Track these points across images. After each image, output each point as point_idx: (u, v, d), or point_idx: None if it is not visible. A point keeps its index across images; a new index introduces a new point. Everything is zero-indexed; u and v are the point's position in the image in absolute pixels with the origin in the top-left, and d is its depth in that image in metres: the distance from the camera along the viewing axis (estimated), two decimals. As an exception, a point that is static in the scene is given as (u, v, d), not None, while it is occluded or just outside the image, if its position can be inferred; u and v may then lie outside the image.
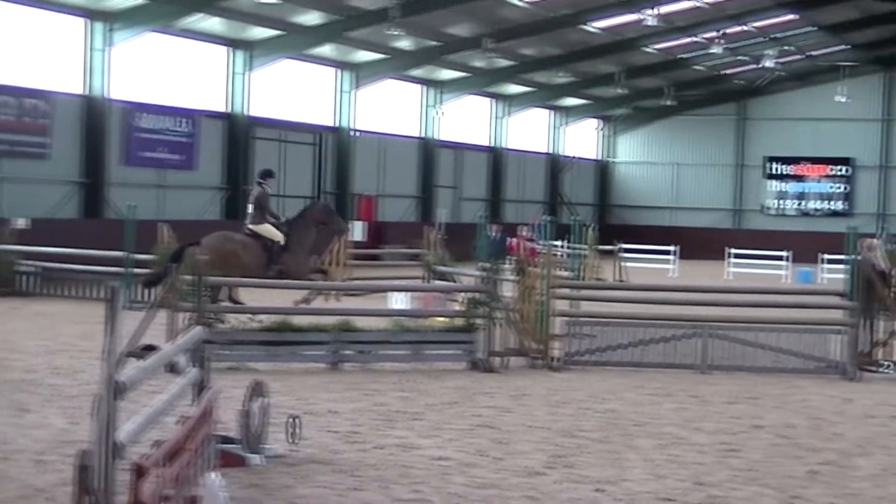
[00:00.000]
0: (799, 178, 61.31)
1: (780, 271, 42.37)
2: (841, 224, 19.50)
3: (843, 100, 57.02)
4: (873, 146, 60.28)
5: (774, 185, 61.82)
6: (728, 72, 57.78)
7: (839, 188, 60.69)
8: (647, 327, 16.96)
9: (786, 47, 52.41)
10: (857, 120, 60.18)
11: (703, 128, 63.44)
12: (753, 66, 54.61)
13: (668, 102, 58.84)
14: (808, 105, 61.06)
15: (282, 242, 21.59)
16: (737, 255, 44.53)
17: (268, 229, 21.68)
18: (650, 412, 13.06)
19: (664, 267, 44.04)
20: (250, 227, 21.77)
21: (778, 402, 14.10)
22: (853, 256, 17.12)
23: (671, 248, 44.94)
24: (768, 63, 49.77)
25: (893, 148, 60.19)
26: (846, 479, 9.97)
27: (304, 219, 22.17)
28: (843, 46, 55.61)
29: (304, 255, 21.96)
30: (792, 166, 61.31)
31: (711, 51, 47.56)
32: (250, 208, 22.01)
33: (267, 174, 22.66)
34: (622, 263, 36.07)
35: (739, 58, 53.95)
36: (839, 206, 60.57)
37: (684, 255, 48.10)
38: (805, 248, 49.51)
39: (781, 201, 61.73)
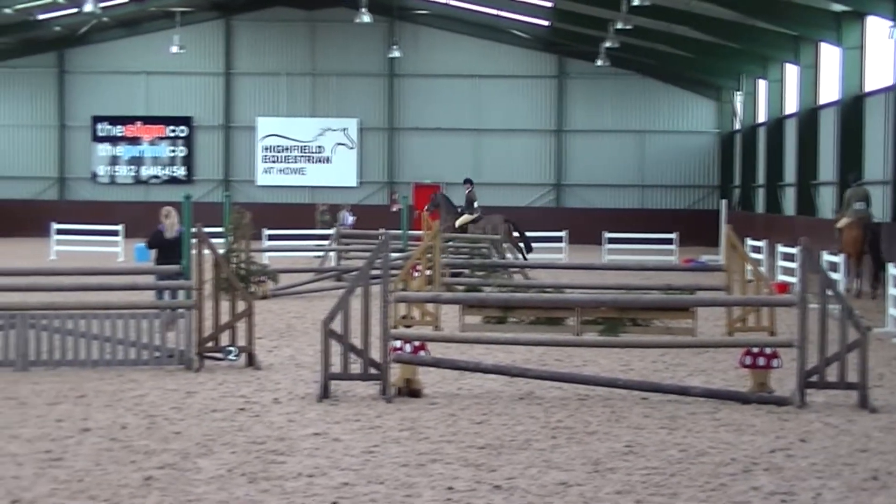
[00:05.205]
0: (133, 141, 61.61)
1: (115, 248, 42.53)
2: (183, 192, 19.84)
3: (179, 50, 57.79)
4: (215, 103, 61.76)
5: (105, 149, 61.75)
6: (43, 16, 56.92)
7: (178, 152, 61.73)
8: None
9: (112, -11, 52.57)
10: (197, 74, 61.46)
11: (17, 82, 61.99)
12: (73, 10, 54.06)
13: (-27, 52, 57.21)
14: (140, 57, 61.14)
15: None
16: (62, 231, 44.22)
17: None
18: (-43, 423, 12.70)
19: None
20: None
21: (109, 399, 14.17)
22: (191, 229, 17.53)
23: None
24: (89, 7, 49.26)
25: (234, 105, 61.96)
26: (187, 483, 10.22)
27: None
28: (176, -11, 56.75)
29: None
30: (124, 127, 61.52)
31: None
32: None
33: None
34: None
35: (56, 0, 53.39)
36: (179, 171, 61.63)
37: (2, 233, 47.25)
38: (143, 219, 49.97)
39: (114, 168, 61.78)
